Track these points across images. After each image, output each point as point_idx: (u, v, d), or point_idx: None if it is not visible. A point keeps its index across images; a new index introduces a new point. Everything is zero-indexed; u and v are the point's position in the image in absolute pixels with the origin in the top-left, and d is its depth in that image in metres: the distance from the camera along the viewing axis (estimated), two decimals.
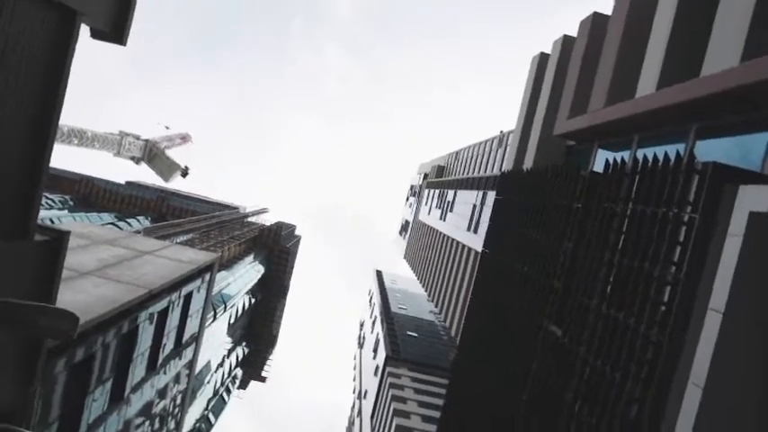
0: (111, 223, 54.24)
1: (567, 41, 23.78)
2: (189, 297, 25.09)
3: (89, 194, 66.08)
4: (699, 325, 9.02)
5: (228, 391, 51.61)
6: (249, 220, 69.16)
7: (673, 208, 10.32)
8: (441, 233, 56.78)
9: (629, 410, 10.16)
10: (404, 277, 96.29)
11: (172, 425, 27.41)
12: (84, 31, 7.68)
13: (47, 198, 57.11)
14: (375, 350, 60.81)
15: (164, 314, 21.78)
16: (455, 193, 52.46)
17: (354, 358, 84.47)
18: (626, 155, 16.24)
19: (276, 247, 62.79)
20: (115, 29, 6.97)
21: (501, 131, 46.45)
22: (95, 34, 7.31)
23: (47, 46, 6.21)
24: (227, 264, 46.91)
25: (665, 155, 11.16)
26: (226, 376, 48.39)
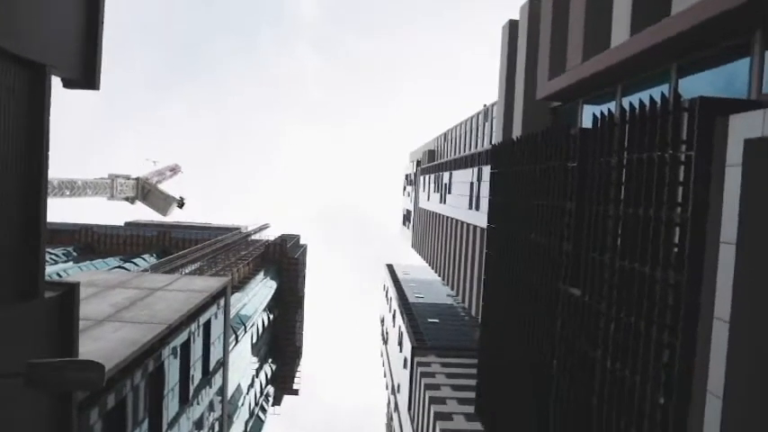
0: (118, 267, 54.28)
1: (533, 5, 23.69)
2: (208, 325, 25.14)
3: (91, 242, 66.13)
4: (713, 260, 9.02)
5: (264, 410, 51.78)
6: (253, 238, 69.19)
7: (668, 150, 10.30)
8: (443, 216, 56.76)
9: (659, 357, 10.18)
10: (415, 266, 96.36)
11: None
12: (56, 82, 7.67)
13: (50, 253, 57.15)
14: (400, 343, 60.94)
15: (186, 346, 21.83)
16: (450, 174, 52.40)
17: (381, 355, 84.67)
18: (612, 106, 16.20)
19: (284, 260, 62.82)
20: (86, 76, 6.95)
21: (485, 105, 46.32)
22: (68, 84, 7.30)
23: (22, 103, 6.21)
24: (239, 285, 46.94)
25: (651, 99, 11.13)
26: (258, 396, 48.56)
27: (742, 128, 8.65)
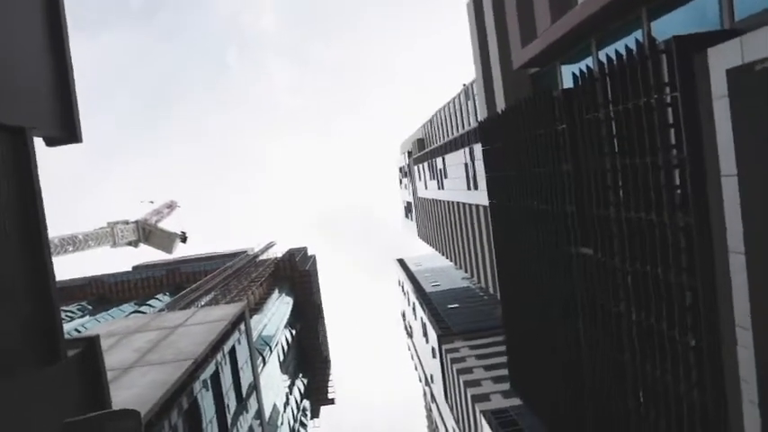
0: (134, 312, 54.42)
1: None
2: (233, 352, 25.20)
3: (103, 293, 66.29)
4: (717, 193, 9.00)
5: (304, 425, 51.92)
6: (261, 258, 69.24)
7: (652, 95, 10.28)
8: (444, 201, 56.74)
9: (682, 301, 10.18)
10: (425, 256, 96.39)
11: None
12: (38, 142, 7.67)
13: (65, 311, 57.30)
14: (425, 334, 61.00)
15: (216, 377, 21.89)
16: (443, 159, 52.35)
17: (408, 349, 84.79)
18: (590, 62, 16.17)
19: (296, 275, 62.92)
20: (67, 131, 6.95)
21: (464, 85, 46.24)
22: (50, 142, 7.30)
23: (9, 170, 6.21)
24: (256, 307, 47.03)
25: (626, 48, 11.11)
26: (296, 412, 48.68)
27: (721, 59, 8.62)
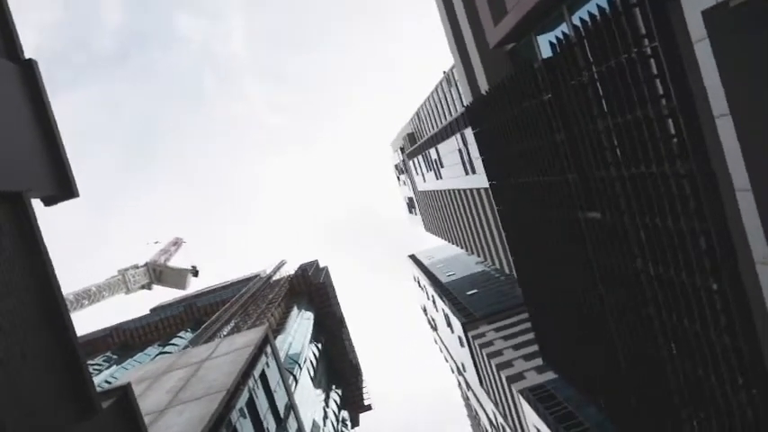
0: (160, 353, 54.57)
1: None
2: (264, 376, 25.25)
3: (125, 340, 66.49)
4: (714, 136, 8.98)
5: None
6: (274, 279, 69.35)
7: (632, 50, 10.25)
8: (445, 191, 56.71)
9: (697, 246, 10.15)
10: (435, 248, 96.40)
11: None
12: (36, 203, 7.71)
13: (92, 365, 57.52)
14: (449, 325, 60.99)
15: (251, 403, 21.94)
16: (436, 149, 52.33)
17: (435, 342, 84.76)
18: (564, 29, 16.12)
19: (312, 289, 62.99)
20: (62, 188, 6.99)
21: (444, 72, 46.23)
22: (48, 201, 7.34)
23: (13, 236, 6.25)
24: (278, 328, 47.10)
25: (599, 7, 11.08)
26: (336, 423, 48.74)
27: (694, 2, 8.59)
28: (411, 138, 69.56)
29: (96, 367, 57.60)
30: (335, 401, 53.46)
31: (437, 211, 66.09)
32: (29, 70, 6.70)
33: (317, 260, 74.75)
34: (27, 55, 6.85)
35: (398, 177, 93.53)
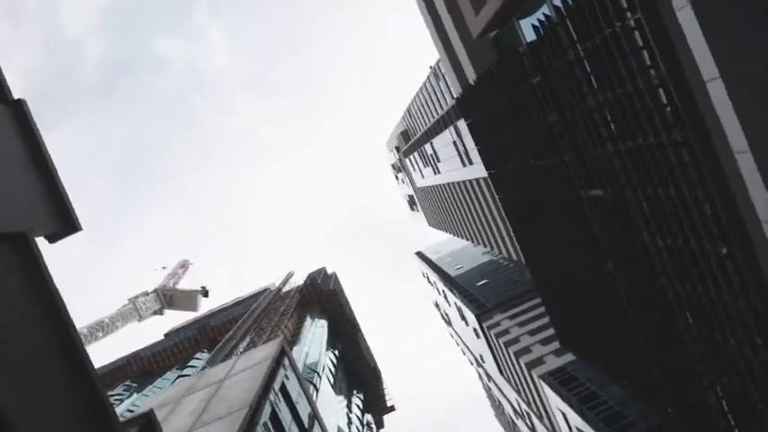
0: (178, 377, 54.62)
1: None
2: (284, 388, 25.25)
3: (143, 367, 66.57)
4: (706, 99, 8.96)
5: None
6: (284, 291, 69.37)
7: (615, 24, 10.24)
8: (444, 185, 56.67)
9: (702, 213, 10.13)
10: (441, 242, 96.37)
11: None
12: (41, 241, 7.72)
13: (112, 395, 57.63)
14: (463, 318, 60.95)
15: (274, 417, 21.94)
16: (431, 144, 52.30)
17: (451, 336, 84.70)
18: (546, 10, 16.11)
19: (322, 297, 62.99)
20: (64, 224, 7.00)
21: (430, 67, 46.25)
22: (52, 238, 7.35)
23: (21, 276, 6.26)
24: (293, 339, 47.12)
25: None
26: (360, 428, 48.72)
27: None
28: (405, 135, 69.57)
29: (117, 397, 57.69)
30: (358, 406, 53.45)
31: (439, 205, 66.07)
32: (19, 111, 6.72)
33: (324, 267, 74.72)
34: (15, 96, 6.87)
35: (396, 176, 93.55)
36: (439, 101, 46.14)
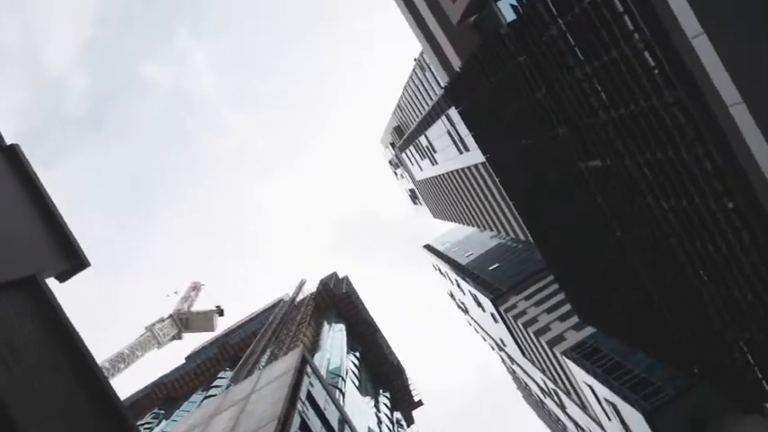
0: (204, 399, 54.77)
1: None
2: (310, 396, 25.29)
3: (168, 393, 66.78)
4: (694, 56, 8.92)
5: None
6: (298, 300, 69.48)
7: None
8: (443, 175, 56.63)
9: (704, 171, 10.10)
10: (448, 232, 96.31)
11: None
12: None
13: (141, 425, 57.87)
14: (479, 304, 60.91)
15: (304, 426, 21.97)
16: (425, 135, 52.26)
17: (469, 324, 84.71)
18: None
19: (337, 301, 63.02)
20: (72, 262, 7.04)
21: (415, 59, 46.18)
22: (61, 277, 7.39)
23: (36, 318, 6.30)
24: (313, 346, 47.18)
25: None
26: (391, 426, 48.81)
27: None
28: (398, 131, 69.53)
29: (147, 426, 57.92)
30: (386, 405, 53.54)
31: (441, 196, 66.03)
32: (14, 156, 6.76)
33: (335, 272, 74.78)
34: (7, 141, 6.91)
35: (395, 172, 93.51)
36: (428, 92, 46.08)
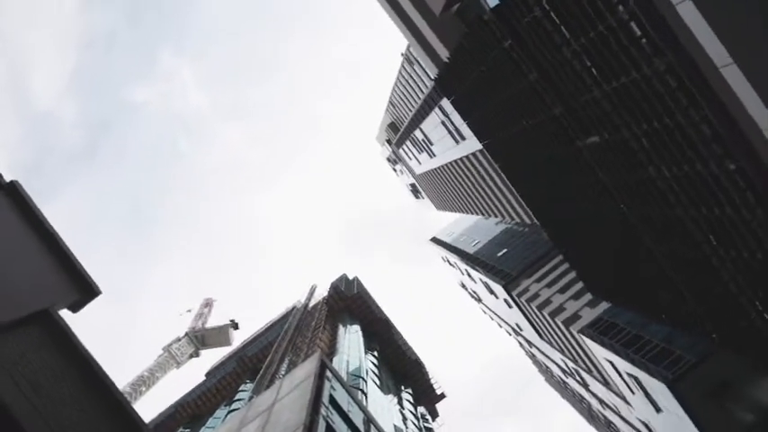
0: (228, 413, 54.96)
1: None
2: (333, 400, 25.33)
3: (192, 412, 67.02)
4: (680, 22, 8.88)
5: (430, 430, 52.09)
6: (311, 305, 69.59)
7: None
8: (442, 166, 56.60)
9: (699, 135, 10.06)
10: (453, 222, 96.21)
11: None
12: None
13: None
14: (491, 292, 60.87)
15: (330, 431, 22.02)
16: (420, 129, 52.23)
17: (484, 312, 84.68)
18: None
19: (349, 303, 63.06)
20: (83, 292, 7.07)
21: (402, 54, 46.11)
22: (74, 308, 7.42)
23: (53, 351, 6.33)
24: (330, 350, 47.25)
25: None
26: (416, 422, 48.86)
27: None
28: (393, 127, 69.48)
29: None
30: (409, 401, 53.61)
31: (442, 187, 66.01)
32: (15, 193, 6.79)
33: (344, 274, 74.81)
34: (5, 177, 6.93)
35: (394, 169, 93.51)
36: (418, 85, 46.00)
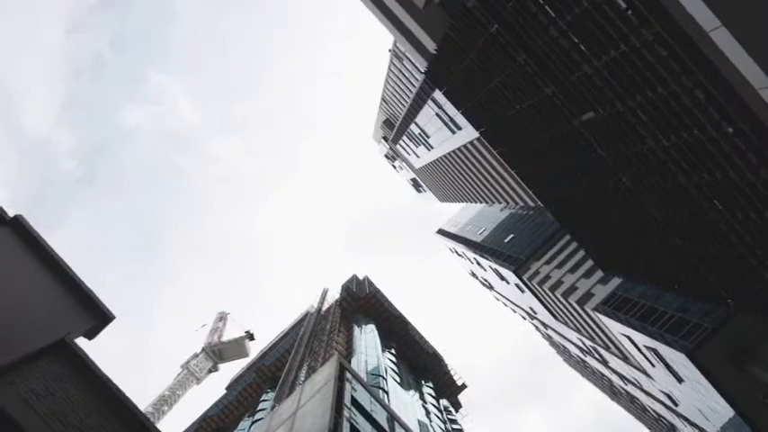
0: (252, 424, 55.16)
1: None
2: (355, 401, 25.37)
3: (216, 426, 67.27)
4: (676, 4, 8.85)
5: (454, 421, 52.11)
6: (324, 309, 69.67)
7: None
8: (441, 158, 56.56)
9: (694, 100, 10.03)
10: (457, 212, 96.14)
11: None
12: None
13: None
14: (502, 278, 60.82)
15: (355, 431, 22.05)
16: (415, 123, 52.18)
17: (497, 299, 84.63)
18: None
19: (362, 303, 63.12)
20: (97, 318, 7.11)
21: (390, 50, 46.07)
22: (90, 335, 7.47)
23: (75, 379, 6.36)
24: (348, 351, 47.32)
25: None
26: (440, 414, 48.90)
27: None
28: (388, 123, 69.44)
29: None
30: (431, 395, 53.65)
31: (443, 179, 65.98)
32: (20, 227, 6.84)
33: (354, 274, 74.86)
34: (8, 212, 6.98)
35: (393, 165, 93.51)
36: (409, 80, 45.94)
